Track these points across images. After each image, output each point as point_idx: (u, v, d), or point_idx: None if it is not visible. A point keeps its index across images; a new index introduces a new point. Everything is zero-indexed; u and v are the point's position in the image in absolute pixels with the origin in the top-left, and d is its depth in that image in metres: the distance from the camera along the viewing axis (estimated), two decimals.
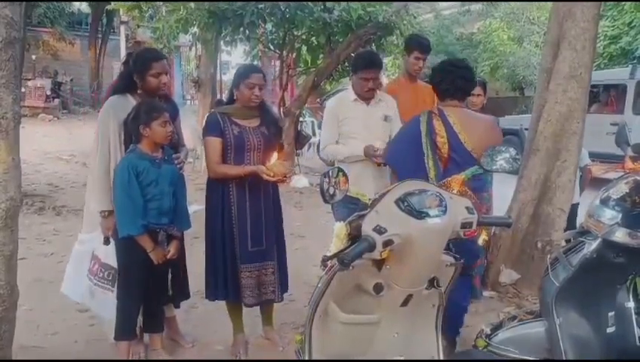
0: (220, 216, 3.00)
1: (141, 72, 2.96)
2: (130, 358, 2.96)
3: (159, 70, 2.97)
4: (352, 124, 3.38)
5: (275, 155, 2.96)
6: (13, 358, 2.71)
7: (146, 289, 2.92)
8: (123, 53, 17.09)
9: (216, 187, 3.03)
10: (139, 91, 3.02)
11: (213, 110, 3.16)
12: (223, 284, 3.03)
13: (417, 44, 3.95)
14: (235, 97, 3.06)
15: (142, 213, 2.76)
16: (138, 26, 20.11)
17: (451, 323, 2.79)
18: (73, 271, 3.13)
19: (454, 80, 2.88)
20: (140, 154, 2.81)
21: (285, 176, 2.91)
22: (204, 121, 3.12)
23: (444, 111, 2.86)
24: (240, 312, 3.17)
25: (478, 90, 3.88)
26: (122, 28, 18.04)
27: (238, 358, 3.11)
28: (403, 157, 2.90)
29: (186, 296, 3.25)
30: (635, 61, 9.65)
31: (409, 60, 3.93)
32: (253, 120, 3.05)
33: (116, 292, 2.95)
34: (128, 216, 2.75)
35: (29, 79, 17.08)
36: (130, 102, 2.97)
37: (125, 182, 2.74)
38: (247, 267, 3.00)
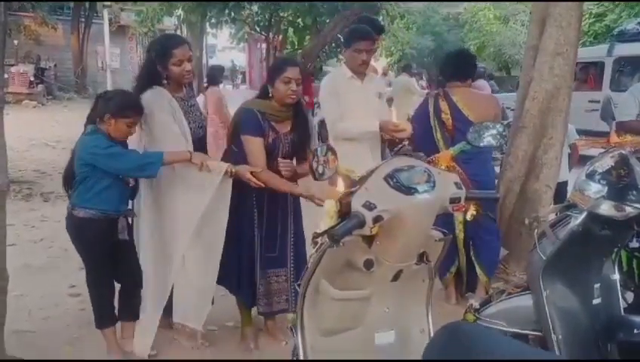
0: (237, 217, 2.89)
1: (163, 61, 2.84)
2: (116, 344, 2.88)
3: (181, 57, 2.84)
4: (351, 102, 3.35)
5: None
6: (6, 344, 2.71)
7: (114, 275, 2.85)
8: (107, 37, 16.75)
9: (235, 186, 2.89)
10: (164, 82, 2.89)
11: (247, 105, 2.96)
12: (237, 284, 2.98)
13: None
14: (270, 94, 2.90)
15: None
16: (122, 10, 19.81)
17: (487, 261, 3.57)
18: None
19: (456, 65, 3.61)
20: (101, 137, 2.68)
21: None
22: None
23: (449, 91, 3.53)
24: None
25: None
26: (105, 11, 17.67)
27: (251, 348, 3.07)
28: (418, 134, 3.45)
29: None
30: (612, 38, 9.64)
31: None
32: (286, 123, 2.94)
33: (86, 280, 2.86)
34: (144, 159, 2.69)
35: (12, 65, 16.74)
36: (164, 95, 2.86)
37: (115, 148, 2.63)
38: (264, 272, 2.95)
